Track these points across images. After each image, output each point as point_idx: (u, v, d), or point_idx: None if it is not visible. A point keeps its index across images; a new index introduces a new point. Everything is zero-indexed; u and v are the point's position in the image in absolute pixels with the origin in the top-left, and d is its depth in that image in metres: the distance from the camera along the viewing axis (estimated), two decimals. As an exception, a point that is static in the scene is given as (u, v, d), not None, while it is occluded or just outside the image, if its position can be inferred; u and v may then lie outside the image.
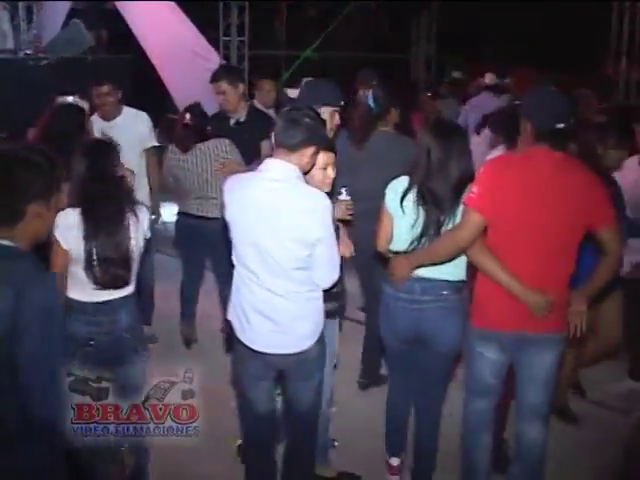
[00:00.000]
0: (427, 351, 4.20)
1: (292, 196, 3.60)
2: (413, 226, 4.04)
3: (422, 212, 4.02)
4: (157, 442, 3.94)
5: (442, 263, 4.00)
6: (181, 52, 10.28)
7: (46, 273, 3.05)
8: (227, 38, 11.85)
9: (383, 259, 4.32)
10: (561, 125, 3.77)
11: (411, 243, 4.05)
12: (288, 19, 14.77)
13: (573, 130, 3.99)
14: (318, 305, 3.83)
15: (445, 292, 4.10)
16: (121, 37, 11.25)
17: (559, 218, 3.74)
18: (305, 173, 3.73)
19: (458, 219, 3.94)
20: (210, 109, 6.60)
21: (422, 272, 4.06)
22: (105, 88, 6.33)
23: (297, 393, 3.95)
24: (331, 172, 3.96)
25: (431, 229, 4.01)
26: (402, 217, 4.07)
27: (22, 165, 2.71)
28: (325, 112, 4.47)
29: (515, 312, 3.83)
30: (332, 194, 4.08)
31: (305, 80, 5.53)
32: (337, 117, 4.68)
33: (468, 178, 3.93)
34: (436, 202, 3.99)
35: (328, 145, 3.93)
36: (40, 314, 2.59)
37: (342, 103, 4.72)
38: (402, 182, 4.10)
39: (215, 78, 6.27)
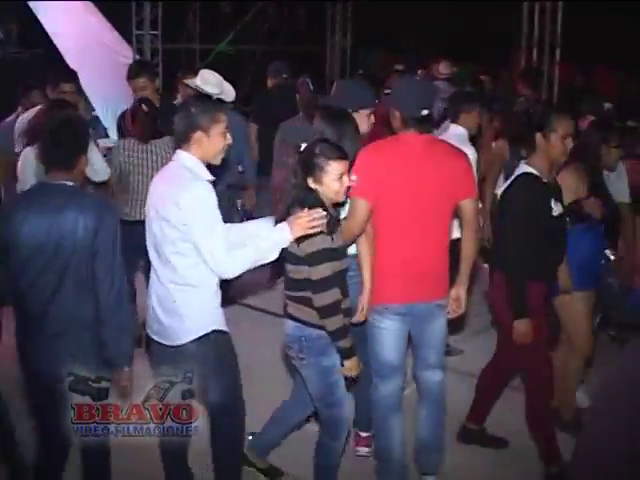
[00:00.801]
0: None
1: (173, 183, 3.81)
2: None
3: None
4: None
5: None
6: (94, 46, 10.06)
7: (111, 203, 4.84)
8: (140, 32, 11.64)
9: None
10: (425, 112, 4.16)
11: None
12: (202, 12, 14.58)
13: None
14: (199, 299, 3.86)
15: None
16: (32, 31, 10.92)
17: (431, 194, 4.16)
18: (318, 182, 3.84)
19: None
20: (123, 104, 6.50)
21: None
22: (67, 86, 6.18)
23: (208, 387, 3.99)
24: (346, 181, 3.90)
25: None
26: None
27: (79, 125, 3.94)
28: (360, 115, 4.59)
29: (407, 286, 4.23)
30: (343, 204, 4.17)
31: (337, 81, 5.51)
32: (372, 118, 4.74)
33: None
34: None
35: (342, 154, 3.89)
36: (111, 232, 3.69)
37: (376, 102, 4.79)
38: None
39: (134, 74, 6.14)
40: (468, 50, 13.65)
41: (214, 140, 3.85)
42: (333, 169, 3.81)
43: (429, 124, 4.37)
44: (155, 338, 4.00)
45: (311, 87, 6.86)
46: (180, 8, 13.74)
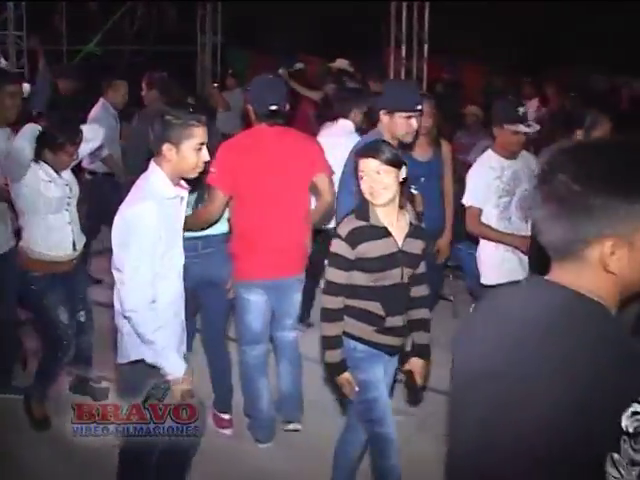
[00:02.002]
0: (214, 290, 4.88)
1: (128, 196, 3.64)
2: None
3: None
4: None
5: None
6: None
7: None
8: (4, 32, 11.27)
9: None
10: (274, 107, 4.58)
11: None
12: (68, 12, 14.21)
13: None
14: (123, 324, 3.67)
15: (222, 244, 4.82)
16: None
17: (285, 176, 4.60)
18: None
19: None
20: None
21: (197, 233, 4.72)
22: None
23: None
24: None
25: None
26: None
27: None
28: (398, 118, 4.59)
29: (270, 262, 4.67)
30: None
31: (387, 80, 5.29)
32: (413, 123, 4.64)
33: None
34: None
35: (395, 160, 3.78)
36: None
37: (419, 108, 4.68)
38: None
39: (13, 81, 5.88)
40: (338, 48, 13.80)
41: (185, 155, 3.55)
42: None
43: (279, 117, 4.68)
44: None
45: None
46: (46, 8, 13.36)
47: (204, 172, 3.85)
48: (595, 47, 17.24)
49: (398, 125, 4.60)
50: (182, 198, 3.74)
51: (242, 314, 4.87)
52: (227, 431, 5.16)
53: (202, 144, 3.58)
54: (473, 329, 1.92)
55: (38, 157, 4.88)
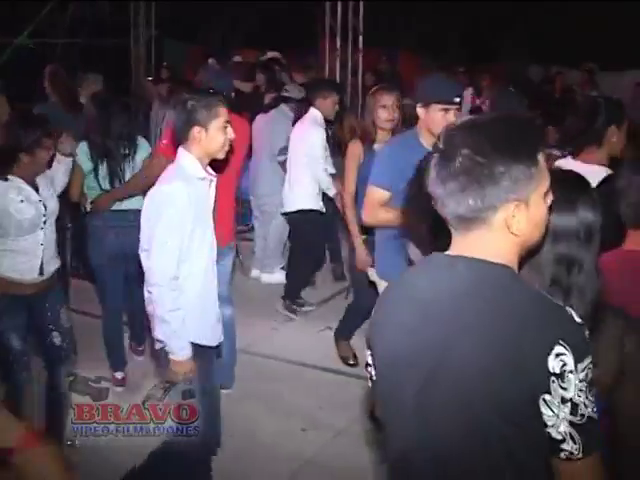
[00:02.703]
0: (132, 263, 4.81)
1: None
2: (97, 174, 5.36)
3: (102, 163, 5.35)
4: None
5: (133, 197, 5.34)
6: None
7: None
8: None
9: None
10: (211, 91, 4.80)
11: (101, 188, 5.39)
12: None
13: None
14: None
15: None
16: None
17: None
18: None
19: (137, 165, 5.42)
20: None
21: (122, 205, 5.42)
22: None
23: None
24: None
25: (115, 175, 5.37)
26: (89, 170, 5.35)
27: None
28: (435, 112, 4.23)
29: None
30: None
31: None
32: (451, 117, 4.21)
33: (126, 135, 5.43)
34: (108, 154, 5.37)
35: None
36: None
37: (457, 100, 4.32)
38: (82, 146, 5.33)
39: None
40: (273, 40, 13.75)
41: (213, 135, 3.69)
42: None
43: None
44: None
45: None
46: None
47: (230, 151, 4.02)
48: (529, 39, 17.49)
49: (434, 119, 4.22)
50: (211, 181, 3.83)
51: None
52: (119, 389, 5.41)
53: (227, 122, 3.74)
54: (388, 314, 1.97)
55: (5, 173, 4.44)
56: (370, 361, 2.09)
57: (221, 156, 3.82)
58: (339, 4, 11.61)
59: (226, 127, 3.72)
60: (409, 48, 15.77)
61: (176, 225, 3.57)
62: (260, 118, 7.80)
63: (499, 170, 1.74)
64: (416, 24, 17.91)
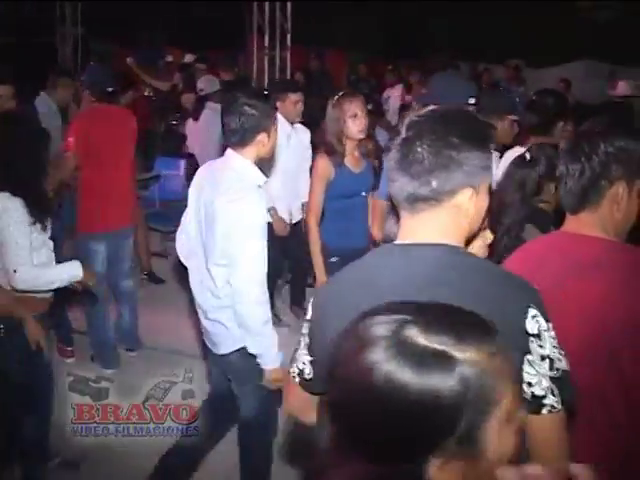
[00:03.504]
0: None
1: (227, 191, 3.63)
2: None
3: None
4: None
5: None
6: None
7: None
8: None
9: None
10: (110, 89, 5.75)
11: None
12: None
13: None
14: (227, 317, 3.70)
15: None
16: None
17: (116, 143, 5.77)
18: None
19: None
20: None
21: None
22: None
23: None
24: None
25: None
26: None
27: None
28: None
29: (109, 217, 5.69)
30: None
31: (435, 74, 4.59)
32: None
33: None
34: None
35: None
36: None
37: (471, 101, 4.09)
38: None
39: None
40: (202, 39, 13.65)
41: (273, 139, 3.71)
42: None
43: (112, 97, 5.84)
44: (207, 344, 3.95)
45: None
46: None
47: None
48: (457, 36, 17.72)
49: None
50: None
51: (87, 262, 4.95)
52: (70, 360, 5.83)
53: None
54: (344, 308, 1.82)
55: None
56: (306, 359, 2.07)
57: (269, 156, 3.86)
58: (267, 3, 11.57)
59: (277, 129, 3.75)
60: (337, 46, 15.80)
61: (262, 240, 3.52)
62: (194, 125, 7.81)
63: (464, 156, 1.84)
64: (344, 22, 17.97)
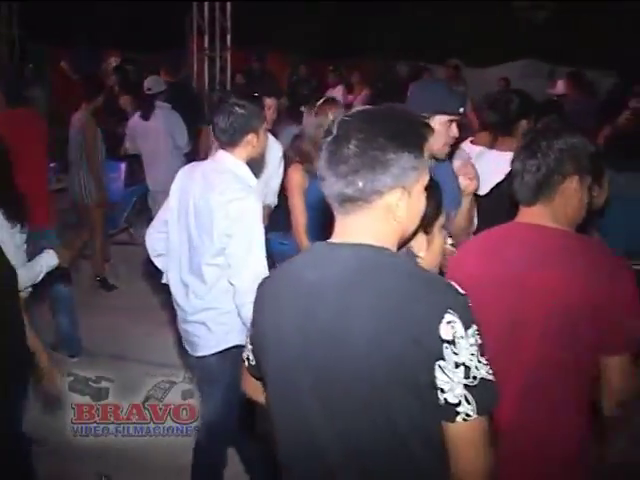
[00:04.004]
0: None
1: (223, 192, 3.66)
2: None
3: None
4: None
5: None
6: None
7: None
8: None
9: None
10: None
11: None
12: None
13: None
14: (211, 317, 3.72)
15: None
16: None
17: (38, 145, 5.98)
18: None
19: None
20: None
21: None
22: None
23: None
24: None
25: None
26: None
27: None
28: (439, 125, 3.58)
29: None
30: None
31: (414, 83, 4.06)
32: (454, 130, 3.73)
33: None
34: None
35: None
36: None
37: (462, 111, 3.80)
38: None
39: None
40: (142, 39, 13.52)
41: (262, 139, 3.78)
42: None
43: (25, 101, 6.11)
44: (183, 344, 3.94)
45: None
46: None
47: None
48: (397, 36, 17.83)
49: (438, 131, 3.29)
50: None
51: None
52: None
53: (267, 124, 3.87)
54: (275, 307, 2.02)
55: None
56: (250, 348, 2.19)
57: (260, 157, 3.93)
58: (206, 3, 11.49)
59: (266, 129, 3.82)
60: (278, 47, 15.77)
61: (261, 238, 3.58)
62: (143, 124, 7.72)
63: (390, 157, 1.84)
64: (284, 22, 17.94)
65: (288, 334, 1.96)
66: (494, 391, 1.86)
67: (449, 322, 1.79)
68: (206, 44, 11.42)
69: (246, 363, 2.23)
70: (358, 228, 1.92)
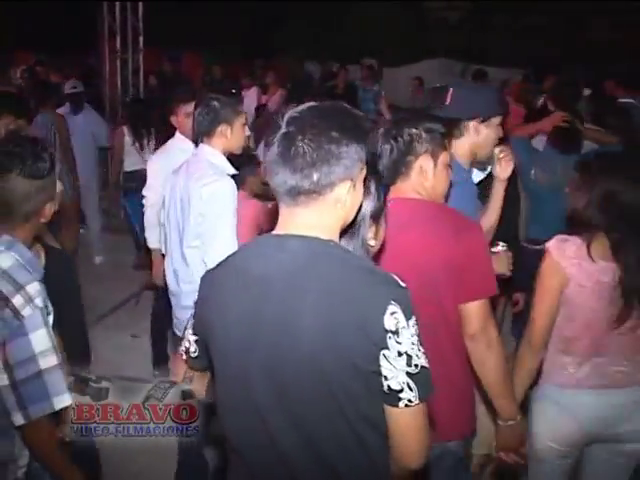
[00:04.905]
0: None
1: (198, 179, 3.86)
2: None
3: None
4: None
5: None
6: None
7: None
8: None
9: None
10: None
11: None
12: None
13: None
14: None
15: None
16: None
17: None
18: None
19: None
20: None
21: None
22: None
23: None
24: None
25: None
26: None
27: None
28: (493, 124, 3.56)
29: None
30: None
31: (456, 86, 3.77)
32: (500, 129, 3.62)
33: None
34: None
35: None
36: None
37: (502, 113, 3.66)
38: None
39: None
40: (53, 40, 13.27)
41: (237, 134, 3.91)
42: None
43: None
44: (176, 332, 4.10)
45: None
46: None
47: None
48: (312, 37, 17.89)
49: (491, 133, 3.57)
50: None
51: None
52: None
53: (245, 121, 4.03)
54: (221, 298, 2.06)
55: None
56: (193, 340, 2.27)
57: (238, 152, 4.03)
58: (117, 3, 11.30)
59: (245, 125, 3.99)
60: (192, 48, 15.67)
61: (232, 222, 3.76)
62: (73, 120, 7.78)
63: (342, 149, 1.91)
64: (198, 23, 17.84)
65: (234, 324, 2.01)
66: (431, 378, 1.96)
67: (392, 313, 1.87)
68: (118, 45, 11.23)
69: (184, 356, 2.31)
70: (306, 220, 1.97)
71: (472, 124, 3.49)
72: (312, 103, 2.06)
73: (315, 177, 1.91)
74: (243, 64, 13.32)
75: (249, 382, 2.01)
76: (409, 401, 1.92)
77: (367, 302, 1.89)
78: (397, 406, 1.93)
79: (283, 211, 2.01)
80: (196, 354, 2.27)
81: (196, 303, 2.19)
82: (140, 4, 11.37)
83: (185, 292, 3.93)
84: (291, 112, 1.99)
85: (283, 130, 1.94)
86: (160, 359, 5.60)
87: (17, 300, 2.62)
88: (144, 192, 5.08)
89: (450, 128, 3.20)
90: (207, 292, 2.14)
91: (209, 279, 2.17)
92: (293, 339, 1.92)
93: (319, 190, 1.93)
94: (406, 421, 1.96)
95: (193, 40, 16.39)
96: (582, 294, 2.93)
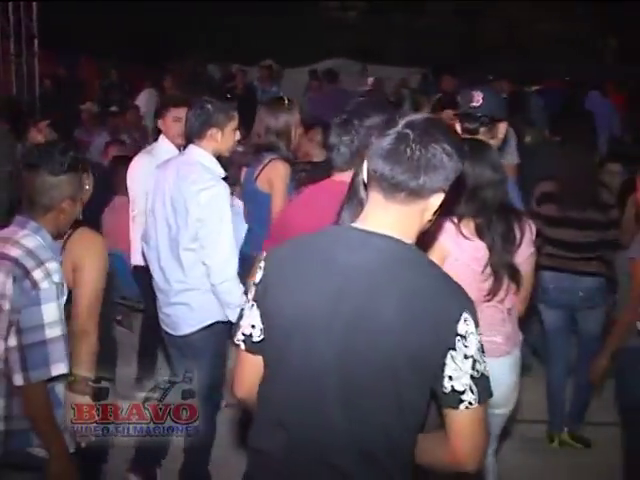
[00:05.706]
0: None
1: (194, 182, 3.95)
2: None
3: None
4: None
5: None
6: None
7: None
8: None
9: None
10: None
11: None
12: None
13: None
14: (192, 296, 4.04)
15: None
16: None
17: None
18: None
19: None
20: None
21: None
22: None
23: None
24: None
25: None
26: None
27: None
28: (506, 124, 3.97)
29: None
30: None
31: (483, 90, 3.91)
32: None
33: None
34: None
35: None
36: None
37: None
38: None
39: None
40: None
41: (228, 137, 4.00)
42: None
43: None
44: (164, 328, 4.20)
45: None
46: None
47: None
48: (209, 38, 17.88)
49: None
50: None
51: None
52: None
53: (237, 126, 4.10)
54: (298, 277, 2.15)
55: None
56: (256, 322, 2.21)
57: (227, 155, 4.16)
58: (10, 4, 11.06)
59: (236, 130, 4.06)
60: (89, 51, 15.44)
61: (230, 222, 3.91)
62: None
63: (450, 163, 2.04)
64: (96, 25, 17.61)
65: (311, 305, 2.11)
66: (490, 385, 2.09)
67: (465, 320, 2.03)
68: (12, 48, 11.01)
69: (242, 345, 2.25)
70: (393, 218, 2.10)
71: (502, 125, 3.88)
72: (425, 114, 2.24)
73: (422, 180, 2.03)
74: (141, 67, 13.20)
75: (313, 359, 2.10)
76: (470, 403, 2.05)
77: (444, 308, 2.03)
78: (457, 408, 2.05)
79: (374, 204, 2.13)
80: (261, 337, 2.22)
81: (265, 283, 2.20)
82: (34, 4, 11.16)
83: (175, 290, 4.05)
84: (410, 117, 2.12)
85: (400, 129, 2.06)
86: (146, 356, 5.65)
87: (37, 274, 2.81)
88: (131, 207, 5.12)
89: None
90: (279, 274, 2.19)
91: (278, 257, 2.24)
92: (368, 333, 2.04)
93: (421, 193, 2.05)
94: (465, 423, 2.08)
95: (91, 42, 16.16)
96: (457, 267, 3.13)
